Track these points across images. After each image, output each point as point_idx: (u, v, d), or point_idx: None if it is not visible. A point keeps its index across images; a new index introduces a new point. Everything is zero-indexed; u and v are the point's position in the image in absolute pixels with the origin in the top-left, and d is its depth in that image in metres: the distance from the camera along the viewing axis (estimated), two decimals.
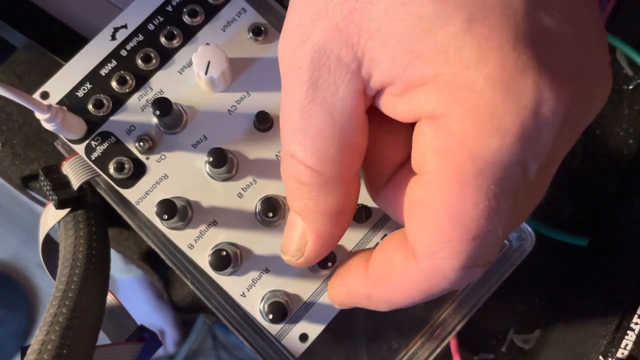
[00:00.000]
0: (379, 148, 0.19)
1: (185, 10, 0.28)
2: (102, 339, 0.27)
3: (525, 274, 0.35)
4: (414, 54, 0.15)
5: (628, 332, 0.30)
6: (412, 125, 0.17)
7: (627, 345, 0.30)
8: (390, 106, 0.17)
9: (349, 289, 0.21)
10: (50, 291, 0.25)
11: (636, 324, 0.30)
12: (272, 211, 0.26)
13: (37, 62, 0.36)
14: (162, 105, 0.25)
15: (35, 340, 0.23)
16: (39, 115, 0.24)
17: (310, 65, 0.16)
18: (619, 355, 0.30)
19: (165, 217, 0.25)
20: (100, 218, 0.30)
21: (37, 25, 0.33)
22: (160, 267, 0.37)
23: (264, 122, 0.27)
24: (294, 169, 0.18)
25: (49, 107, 0.24)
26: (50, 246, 0.31)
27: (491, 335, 0.36)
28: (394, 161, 0.19)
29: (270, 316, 0.26)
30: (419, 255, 0.17)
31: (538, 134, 0.15)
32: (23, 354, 0.24)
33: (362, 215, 0.27)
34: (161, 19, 0.28)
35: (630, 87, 0.37)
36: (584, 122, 0.17)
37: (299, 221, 0.20)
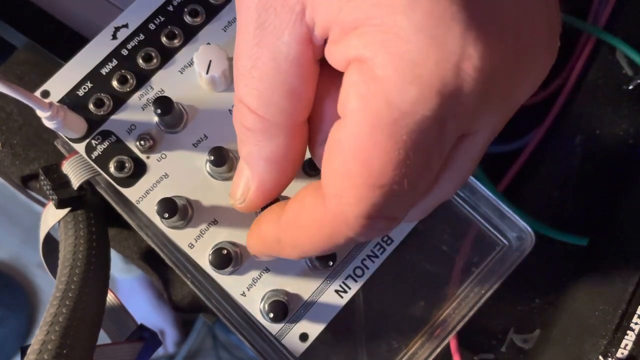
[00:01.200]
0: (323, 103, 0.19)
1: (186, 10, 0.28)
2: (102, 338, 0.27)
3: (525, 274, 0.35)
4: None
5: (628, 332, 0.30)
6: None
7: (627, 345, 0.30)
8: (331, 55, 0.17)
9: (263, 233, 0.21)
10: (50, 291, 0.26)
11: (636, 324, 0.30)
12: None
13: (37, 62, 0.36)
14: (164, 104, 0.25)
15: (36, 340, 0.23)
16: (40, 113, 0.24)
17: (257, 6, 0.16)
18: (618, 355, 0.30)
19: (166, 215, 0.25)
20: (100, 218, 0.30)
21: (37, 25, 0.33)
22: (160, 266, 0.37)
23: None
24: (241, 114, 0.18)
25: (50, 105, 0.24)
26: (51, 245, 0.31)
27: (491, 335, 0.36)
28: (335, 117, 0.20)
29: (271, 315, 0.26)
30: (327, 198, 0.17)
31: (458, 92, 0.14)
32: (23, 354, 0.24)
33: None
34: (162, 19, 0.28)
35: (630, 87, 0.37)
36: (519, 92, 0.16)
37: (246, 167, 0.20)
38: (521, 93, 0.16)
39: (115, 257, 0.34)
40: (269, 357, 0.27)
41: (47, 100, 0.25)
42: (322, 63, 0.17)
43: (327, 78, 0.18)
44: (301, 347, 0.27)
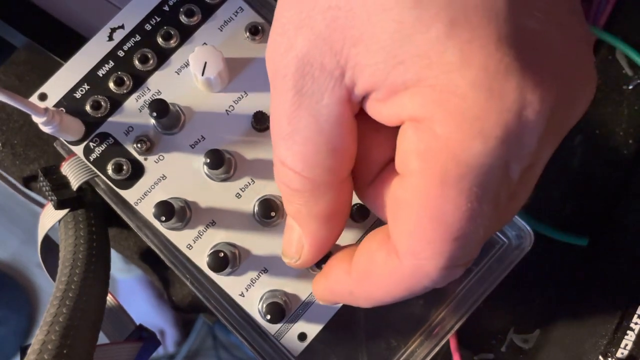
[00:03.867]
0: (365, 147, 0.19)
1: (181, 10, 0.27)
2: (101, 338, 0.27)
3: (524, 274, 0.35)
4: (396, 59, 0.15)
5: (628, 332, 0.30)
6: (397, 127, 0.17)
7: (627, 345, 0.30)
8: (375, 111, 0.17)
9: (332, 285, 0.21)
10: (50, 291, 0.26)
11: (636, 324, 0.30)
12: (269, 212, 0.26)
13: (37, 62, 0.36)
14: (159, 107, 0.25)
15: (36, 340, 0.23)
16: (35, 118, 0.24)
17: (294, 74, 0.17)
18: (618, 355, 0.30)
19: (163, 218, 0.25)
20: (100, 218, 0.30)
21: (37, 25, 0.33)
22: (160, 267, 0.37)
23: (262, 122, 0.27)
24: (285, 175, 0.18)
25: (46, 110, 0.24)
26: (49, 246, 0.31)
27: (491, 335, 0.36)
28: (380, 160, 0.20)
29: (269, 317, 0.26)
30: (401, 254, 0.17)
31: (521, 137, 0.15)
32: (23, 354, 0.24)
33: (359, 215, 0.27)
34: (158, 19, 0.28)
35: (630, 87, 0.37)
36: (569, 124, 0.17)
37: (296, 225, 0.20)
38: (572, 122, 0.17)
39: (115, 257, 0.34)
40: (268, 356, 0.27)
41: (43, 105, 0.25)
42: (359, 112, 0.18)
43: (364, 125, 0.18)
44: (300, 346, 0.27)
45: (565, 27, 0.15)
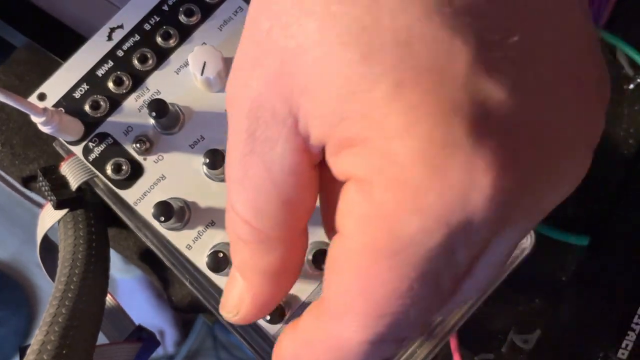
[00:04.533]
0: (331, 197, 0.17)
1: (181, 9, 0.27)
2: (100, 339, 0.27)
3: (525, 274, 0.35)
4: (342, 115, 0.13)
5: (628, 332, 0.30)
6: None
7: (627, 345, 0.30)
8: (330, 163, 0.15)
9: (282, 351, 0.19)
10: (50, 291, 0.26)
11: (636, 324, 0.30)
12: None
13: (37, 62, 0.36)
14: (158, 107, 0.25)
15: (35, 340, 0.23)
16: (34, 118, 0.24)
17: (248, 115, 0.15)
18: (619, 355, 0.30)
19: (162, 219, 0.25)
20: (100, 218, 0.30)
21: (37, 25, 0.33)
22: (159, 267, 0.37)
23: None
24: (233, 222, 0.17)
25: (45, 110, 0.24)
26: (48, 247, 0.31)
27: (491, 335, 0.36)
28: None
29: (268, 317, 0.26)
30: (328, 317, 0.16)
31: (468, 222, 0.13)
32: (22, 354, 0.24)
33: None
34: (157, 19, 0.27)
35: (630, 87, 0.37)
36: (543, 206, 0.14)
37: (239, 277, 0.18)
38: (548, 204, 0.14)
39: (115, 257, 0.34)
40: (268, 356, 0.27)
41: (42, 105, 0.25)
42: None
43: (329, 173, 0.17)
44: None
45: (543, 95, 0.13)
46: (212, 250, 0.26)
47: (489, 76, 0.12)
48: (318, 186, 0.16)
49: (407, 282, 0.13)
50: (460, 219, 0.13)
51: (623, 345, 0.30)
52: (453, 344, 0.34)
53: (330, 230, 0.18)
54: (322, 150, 0.15)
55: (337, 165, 0.15)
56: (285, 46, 0.14)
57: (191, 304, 0.38)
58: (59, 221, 0.29)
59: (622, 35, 0.37)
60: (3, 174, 0.36)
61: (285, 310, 0.26)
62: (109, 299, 0.31)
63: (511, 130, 0.13)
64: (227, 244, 0.27)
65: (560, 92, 0.13)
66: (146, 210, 0.26)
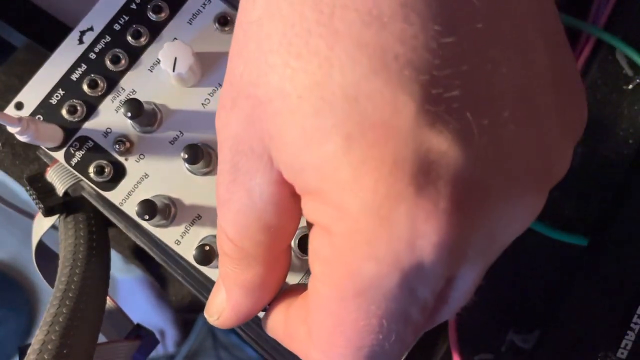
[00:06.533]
0: None
1: (149, 6, 0.27)
2: (100, 339, 0.27)
3: (525, 274, 0.35)
4: (300, 165, 0.14)
5: (628, 332, 0.30)
6: None
7: (627, 345, 0.30)
8: (301, 204, 0.16)
9: (271, 329, 0.21)
10: (51, 291, 0.26)
11: (636, 324, 0.30)
12: None
13: (37, 62, 0.36)
14: (133, 107, 0.25)
15: (36, 340, 0.23)
16: (10, 129, 0.24)
17: (231, 149, 0.16)
18: (619, 355, 0.30)
19: (147, 217, 0.25)
20: (100, 218, 0.30)
21: (37, 25, 0.33)
22: (159, 266, 0.37)
23: None
24: (220, 237, 0.18)
25: (20, 120, 0.24)
26: (44, 253, 0.31)
27: (491, 335, 0.36)
28: None
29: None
30: (313, 345, 0.17)
31: (419, 266, 0.14)
32: (22, 353, 0.24)
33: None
34: (126, 18, 0.27)
35: (630, 87, 0.37)
36: (501, 240, 0.15)
37: (221, 287, 0.20)
38: (506, 238, 0.15)
39: (115, 257, 0.34)
40: (264, 343, 0.27)
41: (17, 114, 0.25)
42: None
43: None
44: None
45: (491, 142, 0.13)
46: (199, 244, 0.26)
47: (432, 128, 0.13)
48: (300, 211, 0.17)
49: (376, 319, 0.15)
50: (411, 263, 0.13)
51: (622, 344, 0.30)
52: (453, 345, 0.34)
53: None
54: None
55: (304, 209, 0.16)
56: (255, 93, 0.15)
57: (191, 303, 0.38)
58: (58, 222, 0.29)
59: (622, 35, 0.37)
60: (3, 174, 0.36)
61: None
62: (107, 299, 0.31)
63: (454, 179, 0.13)
64: (215, 237, 0.27)
65: (507, 136, 0.14)
66: (132, 209, 0.26)
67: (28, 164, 0.35)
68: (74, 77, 0.27)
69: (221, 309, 0.20)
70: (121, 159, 0.27)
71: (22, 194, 0.38)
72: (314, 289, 0.16)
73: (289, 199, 0.16)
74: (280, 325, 0.20)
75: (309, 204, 0.15)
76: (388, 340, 0.15)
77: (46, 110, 0.27)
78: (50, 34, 0.33)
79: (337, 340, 0.16)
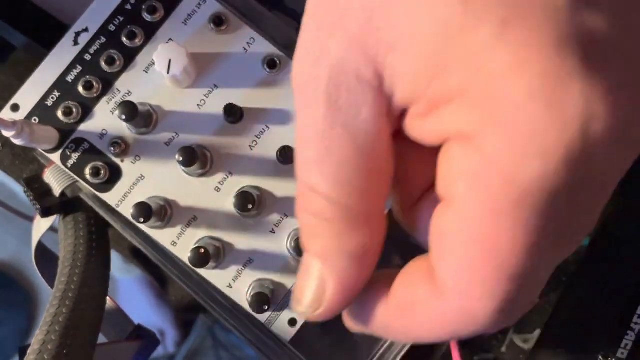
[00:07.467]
0: (404, 170, 0.17)
1: (144, 7, 0.27)
2: (100, 339, 0.27)
3: None
4: (439, 66, 0.13)
5: (628, 332, 0.30)
6: (440, 146, 0.15)
7: (627, 345, 0.30)
8: (415, 127, 0.15)
9: (366, 317, 0.18)
10: (50, 291, 0.26)
11: (636, 323, 0.30)
12: (247, 205, 0.26)
13: (37, 62, 0.36)
14: (127, 110, 0.25)
15: (36, 340, 0.23)
16: (5, 132, 0.24)
17: (328, 85, 0.14)
18: (619, 355, 0.30)
19: (142, 220, 0.25)
20: (100, 218, 0.30)
21: (37, 25, 0.33)
22: (159, 267, 0.37)
23: (233, 115, 0.27)
24: (315, 204, 0.16)
25: (14, 123, 0.24)
26: (43, 254, 0.31)
27: (491, 336, 0.36)
28: (422, 184, 0.17)
29: (254, 307, 0.26)
30: (447, 293, 0.15)
31: (589, 156, 0.12)
32: (22, 353, 0.24)
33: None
34: (121, 19, 0.27)
35: None
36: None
37: (316, 266, 0.16)
38: None
39: (115, 257, 0.34)
40: (262, 343, 0.27)
41: (13, 116, 0.25)
42: (395, 132, 0.16)
43: (402, 146, 0.16)
44: (291, 331, 0.27)
45: (636, 25, 0.13)
46: (194, 246, 0.26)
47: (588, 7, 0.12)
48: (395, 156, 0.16)
49: (535, 234, 0.13)
50: (581, 154, 0.12)
51: (622, 344, 0.30)
52: (453, 345, 0.34)
53: (406, 208, 0.18)
54: (401, 116, 0.15)
55: (430, 127, 0.14)
56: (368, 5, 0.14)
57: (191, 303, 0.38)
58: (57, 222, 0.29)
59: None
60: (3, 174, 0.36)
61: (269, 300, 0.26)
62: (107, 300, 0.31)
63: (615, 57, 0.12)
64: (211, 238, 0.27)
65: None
66: (128, 211, 0.26)
67: (28, 164, 0.35)
68: (69, 78, 0.27)
69: (320, 293, 0.16)
70: (117, 160, 0.27)
71: (21, 194, 0.38)
72: (449, 222, 0.14)
73: (391, 138, 0.15)
74: (382, 305, 0.17)
75: (442, 116, 0.14)
76: (544, 262, 0.14)
77: (42, 112, 0.27)
78: (50, 34, 0.33)
79: (484, 274, 0.13)
